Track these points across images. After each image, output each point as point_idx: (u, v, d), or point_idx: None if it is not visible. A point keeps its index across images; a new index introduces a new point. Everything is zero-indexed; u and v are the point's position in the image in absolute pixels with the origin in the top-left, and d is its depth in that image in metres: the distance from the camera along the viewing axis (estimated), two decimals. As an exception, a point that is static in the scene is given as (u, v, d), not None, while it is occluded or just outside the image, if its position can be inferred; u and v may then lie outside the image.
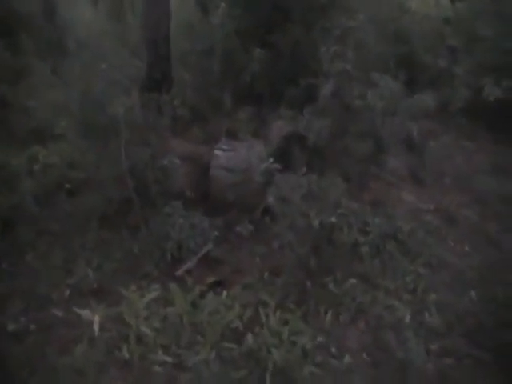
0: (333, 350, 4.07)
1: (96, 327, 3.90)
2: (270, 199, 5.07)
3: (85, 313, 3.99)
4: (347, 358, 4.02)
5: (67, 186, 5.75)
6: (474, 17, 9.61)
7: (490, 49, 8.77)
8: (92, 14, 11.63)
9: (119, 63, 6.79)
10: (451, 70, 8.63)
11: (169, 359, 3.88)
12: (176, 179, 5.67)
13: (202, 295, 4.38)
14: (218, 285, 4.63)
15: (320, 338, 4.07)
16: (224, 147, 5.95)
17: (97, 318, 3.96)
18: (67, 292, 4.64)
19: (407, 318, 4.39)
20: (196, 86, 7.96)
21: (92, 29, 10.37)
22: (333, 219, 4.92)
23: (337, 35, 7.60)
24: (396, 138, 6.89)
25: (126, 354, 3.90)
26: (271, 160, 5.34)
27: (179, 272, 4.71)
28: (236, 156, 5.85)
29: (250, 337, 3.98)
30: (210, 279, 4.64)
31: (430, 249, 5.26)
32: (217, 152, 5.89)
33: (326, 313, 4.34)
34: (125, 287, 4.36)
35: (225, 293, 4.43)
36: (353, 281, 4.60)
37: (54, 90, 7.22)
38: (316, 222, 4.86)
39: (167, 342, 3.97)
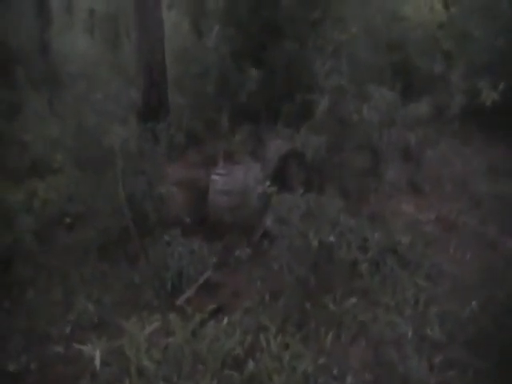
0: (334, 371, 4.04)
1: (97, 362, 3.92)
2: (268, 222, 5.10)
3: (86, 348, 4.00)
4: (349, 379, 3.99)
5: (67, 220, 5.82)
6: (467, 19, 9.61)
7: (484, 49, 8.76)
8: (88, 43, 11.78)
9: (115, 92, 6.89)
10: (446, 75, 8.62)
11: (170, 391, 3.88)
12: (173, 206, 5.73)
13: (203, 323, 4.37)
14: (219, 311, 4.64)
15: (321, 360, 4.05)
16: (221, 171, 6.00)
17: (98, 353, 3.98)
18: (68, 328, 4.66)
19: (409, 333, 4.36)
20: (192, 110, 8.03)
21: (88, 58, 10.50)
22: (331, 238, 4.92)
23: (330, 49, 7.64)
24: (393, 148, 6.90)
25: (127, 389, 3.90)
26: (268, 182, 5.36)
27: (179, 301, 4.72)
28: (233, 179, 5.89)
29: (250, 363, 3.97)
30: (211, 306, 4.63)
31: (431, 260, 5.24)
32: (214, 176, 5.94)
33: (326, 333, 4.31)
34: (125, 319, 4.37)
35: (225, 319, 4.43)
36: (353, 299, 4.57)
37: (49, 123, 7.32)
38: (315, 242, 4.87)
39: (168, 373, 3.96)
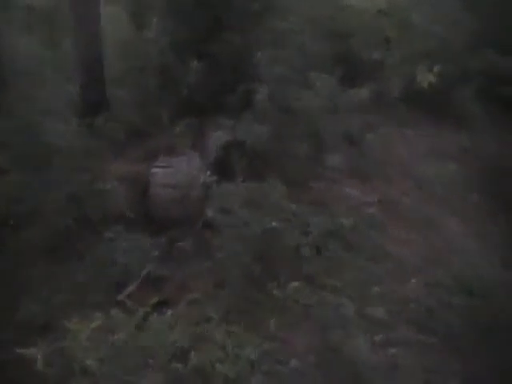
0: (279, 356, 4.08)
1: (40, 365, 3.86)
2: (209, 212, 5.10)
3: (29, 351, 3.93)
4: (294, 362, 4.03)
5: (10, 221, 5.68)
6: (407, 6, 9.77)
7: (422, 35, 8.93)
8: (27, 40, 11.46)
9: (54, 89, 6.76)
10: (386, 60, 8.77)
11: (115, 387, 3.84)
12: (116, 202, 5.66)
13: (147, 317, 4.34)
14: (163, 304, 4.61)
15: (266, 346, 4.08)
16: (161, 164, 5.96)
17: (41, 355, 3.92)
18: (12, 331, 4.56)
19: (352, 314, 4.43)
20: (134, 104, 7.93)
21: (27, 56, 10.23)
22: (274, 224, 4.96)
23: (272, 39, 7.65)
24: (336, 134, 6.97)
25: (72, 389, 3.84)
26: (208, 172, 5.37)
27: (121, 297, 4.68)
28: (174, 172, 5.87)
29: (194, 354, 3.96)
30: (154, 300, 4.60)
31: (373, 241, 5.33)
32: (154, 170, 5.90)
33: (271, 319, 4.35)
34: (69, 319, 4.31)
35: (169, 312, 4.41)
36: (296, 283, 4.62)
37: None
38: (257, 229, 4.90)
39: (113, 369, 3.93)
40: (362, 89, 7.79)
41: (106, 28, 8.22)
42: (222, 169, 5.88)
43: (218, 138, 6.50)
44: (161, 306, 4.59)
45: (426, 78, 7.60)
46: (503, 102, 7.73)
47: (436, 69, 7.57)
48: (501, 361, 4.29)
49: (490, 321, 4.52)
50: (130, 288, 4.81)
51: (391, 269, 5.08)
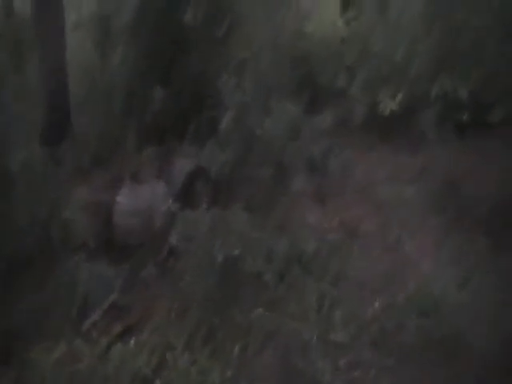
0: (241, 382, 4.12)
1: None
2: (173, 240, 5.14)
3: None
4: (256, 388, 4.08)
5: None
6: (368, 33, 10.01)
7: (383, 62, 9.17)
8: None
9: (17, 115, 6.71)
10: (348, 88, 8.97)
11: (76, 419, 3.83)
12: (79, 230, 5.64)
13: (110, 346, 4.35)
14: (126, 333, 4.62)
15: (229, 373, 4.12)
16: (125, 192, 5.98)
17: (0, 387, 3.89)
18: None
19: (314, 339, 4.50)
20: (99, 131, 7.94)
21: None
22: (236, 252, 5.02)
23: (235, 66, 7.77)
24: (298, 160, 7.08)
25: (31, 421, 3.81)
26: (172, 200, 5.41)
27: (85, 327, 4.67)
28: (138, 200, 5.89)
29: (158, 383, 3.98)
30: (117, 329, 4.62)
31: (334, 266, 5.42)
32: (118, 198, 5.92)
33: (233, 346, 4.39)
34: (30, 349, 4.29)
35: (133, 341, 4.43)
36: (259, 310, 4.69)
37: None
38: (220, 257, 4.96)
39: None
40: (324, 115, 7.98)
41: (70, 55, 8.24)
42: (187, 196, 5.93)
43: (182, 165, 6.56)
44: (124, 335, 4.60)
45: (388, 105, 7.82)
46: (462, 126, 7.93)
47: (398, 97, 7.80)
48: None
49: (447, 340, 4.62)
50: (94, 317, 4.80)
51: (353, 292, 5.17)
